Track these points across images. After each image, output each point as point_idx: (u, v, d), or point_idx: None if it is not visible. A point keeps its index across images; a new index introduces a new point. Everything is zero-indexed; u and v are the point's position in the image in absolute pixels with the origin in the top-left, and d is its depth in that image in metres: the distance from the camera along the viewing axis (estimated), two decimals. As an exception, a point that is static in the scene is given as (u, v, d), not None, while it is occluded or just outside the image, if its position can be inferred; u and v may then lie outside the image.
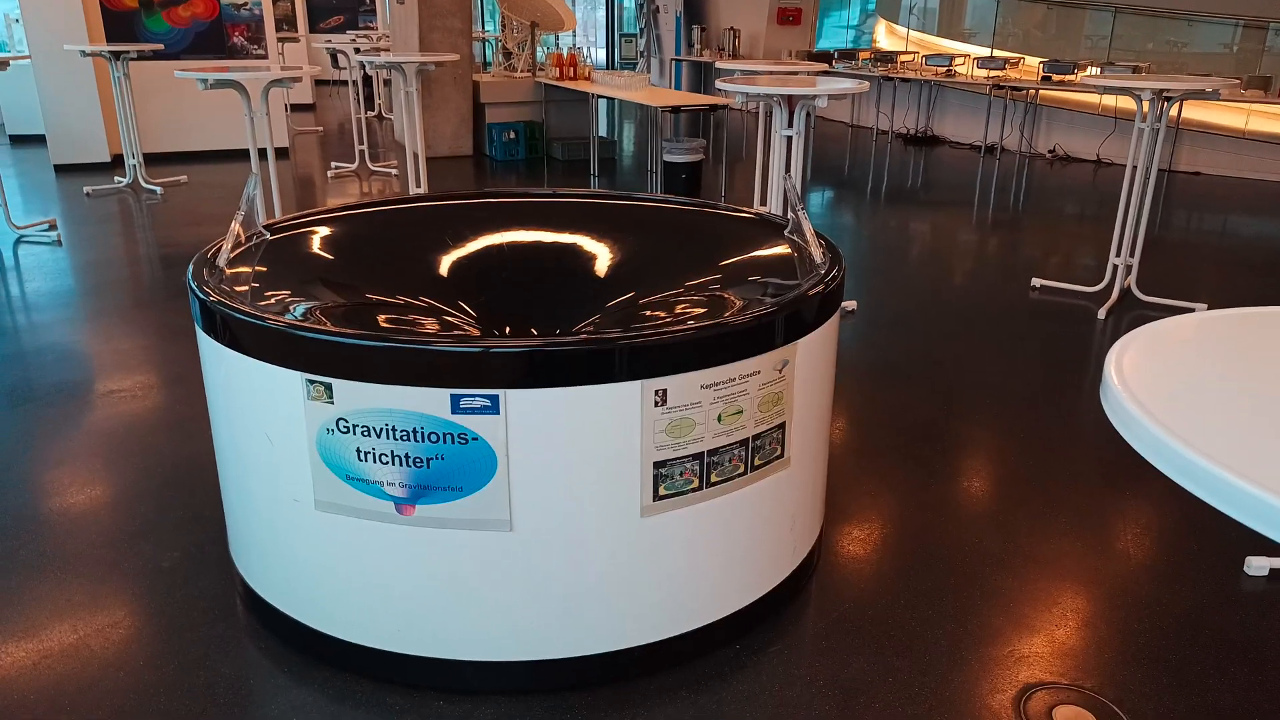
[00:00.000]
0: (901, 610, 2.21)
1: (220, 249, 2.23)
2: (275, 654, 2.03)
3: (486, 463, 1.73)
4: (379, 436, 1.73)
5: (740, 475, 1.91)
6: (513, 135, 8.78)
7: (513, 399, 1.69)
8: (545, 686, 1.92)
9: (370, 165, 8.19)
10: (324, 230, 2.59)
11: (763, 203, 5.77)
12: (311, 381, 1.75)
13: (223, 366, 1.92)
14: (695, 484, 1.85)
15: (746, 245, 2.58)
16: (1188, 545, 2.50)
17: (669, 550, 1.88)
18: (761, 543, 2.04)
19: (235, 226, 2.25)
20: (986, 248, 5.78)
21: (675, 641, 1.96)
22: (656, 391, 1.75)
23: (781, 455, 1.99)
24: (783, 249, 2.44)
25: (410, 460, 1.74)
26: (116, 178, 7.35)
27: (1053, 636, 2.13)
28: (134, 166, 7.14)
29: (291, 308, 2.04)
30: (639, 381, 1.73)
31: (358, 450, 1.76)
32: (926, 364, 3.78)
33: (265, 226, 2.48)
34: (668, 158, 7.29)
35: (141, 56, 7.20)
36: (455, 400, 1.69)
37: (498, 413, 1.70)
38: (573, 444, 1.74)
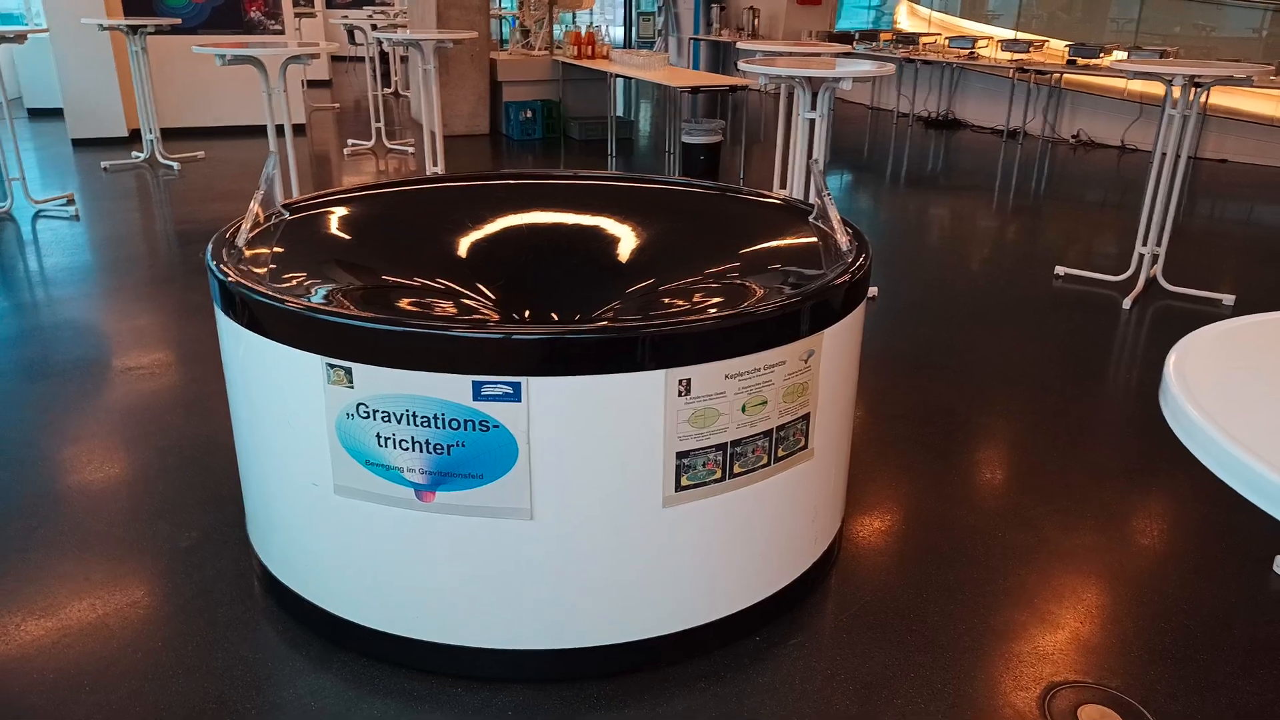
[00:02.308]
0: (923, 604, 2.19)
1: (239, 228, 2.21)
2: (293, 637, 2.03)
3: (507, 450, 1.71)
4: (399, 422, 1.71)
5: (763, 466, 1.88)
6: (530, 114, 8.72)
7: (535, 386, 1.67)
8: (564, 675, 1.91)
9: (387, 143, 8.15)
10: (343, 210, 2.56)
11: (783, 186, 5.71)
12: (332, 366, 1.73)
13: (242, 348, 1.90)
14: (718, 474, 1.83)
15: (770, 231, 2.54)
16: (1214, 543, 2.46)
17: (690, 541, 1.86)
18: (783, 534, 2.02)
19: (254, 206, 2.23)
20: (1008, 234, 5.71)
21: (695, 632, 1.94)
22: (680, 381, 1.72)
23: (805, 446, 1.96)
24: (808, 235, 2.40)
25: (431, 447, 1.72)
26: (134, 153, 7.34)
27: (1076, 634, 2.10)
28: (151, 142, 7.13)
29: (311, 290, 2.02)
30: (663, 371, 1.70)
31: (378, 436, 1.74)
32: (948, 352, 3.73)
33: (284, 206, 2.46)
34: (686, 139, 7.22)
35: (159, 31, 7.17)
36: (477, 387, 1.67)
37: (519, 400, 1.67)
38: (595, 433, 1.72)
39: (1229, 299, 4.34)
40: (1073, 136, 9.27)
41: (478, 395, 1.67)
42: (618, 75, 7.85)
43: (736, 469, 1.84)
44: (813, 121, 3.92)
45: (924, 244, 5.47)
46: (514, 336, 1.65)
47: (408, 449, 1.73)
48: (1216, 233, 5.81)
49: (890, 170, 7.77)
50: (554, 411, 1.69)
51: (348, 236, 2.48)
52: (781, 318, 1.81)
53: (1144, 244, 4.40)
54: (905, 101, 10.93)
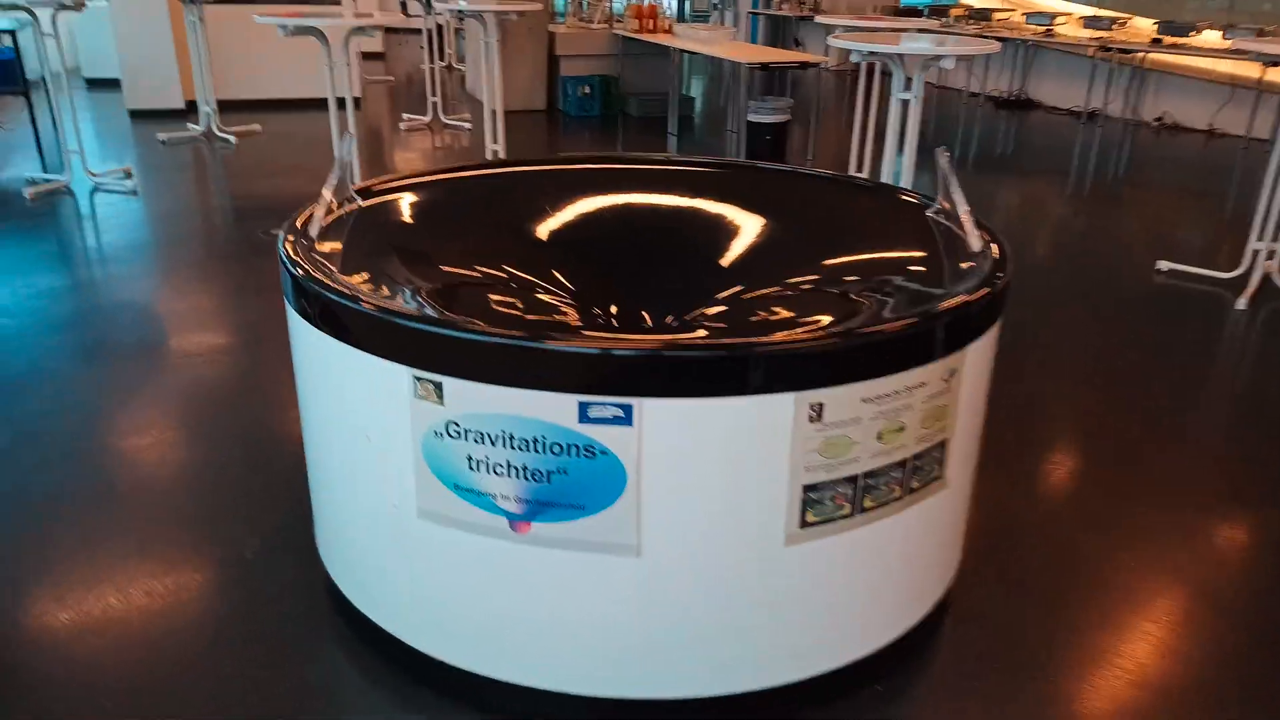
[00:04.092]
0: (1051, 646, 1.97)
1: (311, 215, 2.03)
2: (368, 668, 1.86)
3: (615, 479, 1.52)
4: (494, 445, 1.53)
5: (895, 499, 1.67)
6: (588, 90, 8.49)
7: (649, 409, 1.47)
8: (664, 723, 1.72)
9: (443, 118, 7.98)
10: (417, 196, 2.38)
11: (858, 170, 5.44)
12: (419, 379, 1.54)
13: (316, 351, 1.73)
14: (847, 510, 1.62)
15: (883, 226, 2.31)
16: (1377, 584, 2.20)
17: (813, 583, 1.65)
18: (911, 573, 1.81)
19: (327, 194, 2.05)
20: (1095, 224, 5.38)
21: (814, 682, 1.74)
22: (812, 405, 1.51)
23: (939, 476, 1.74)
24: (928, 232, 2.16)
25: (529, 473, 1.53)
26: (190, 125, 7.25)
27: (1224, 692, 1.86)
28: (208, 114, 7.03)
29: (393, 288, 1.84)
30: (792, 394, 1.49)
31: (469, 458, 1.56)
32: (1045, 353, 3.47)
33: (357, 191, 2.28)
34: (752, 117, 6.94)
35: (215, 0, 7.05)
36: (584, 408, 1.47)
37: (631, 424, 1.48)
38: (714, 462, 1.52)
39: (1352, 301, 4.01)
40: (1156, 119, 8.82)
41: (584, 418, 1.48)
42: (682, 50, 7.58)
43: (867, 503, 1.63)
44: (906, 103, 3.66)
45: (1006, 234, 5.16)
46: (627, 352, 1.45)
47: (502, 474, 1.54)
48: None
49: (959, 151, 7.43)
50: (669, 437, 1.49)
51: (424, 225, 2.30)
52: (924, 334, 1.59)
53: (1259, 239, 4.07)
54: (975, 81, 10.51)
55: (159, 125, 7.37)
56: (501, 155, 5.94)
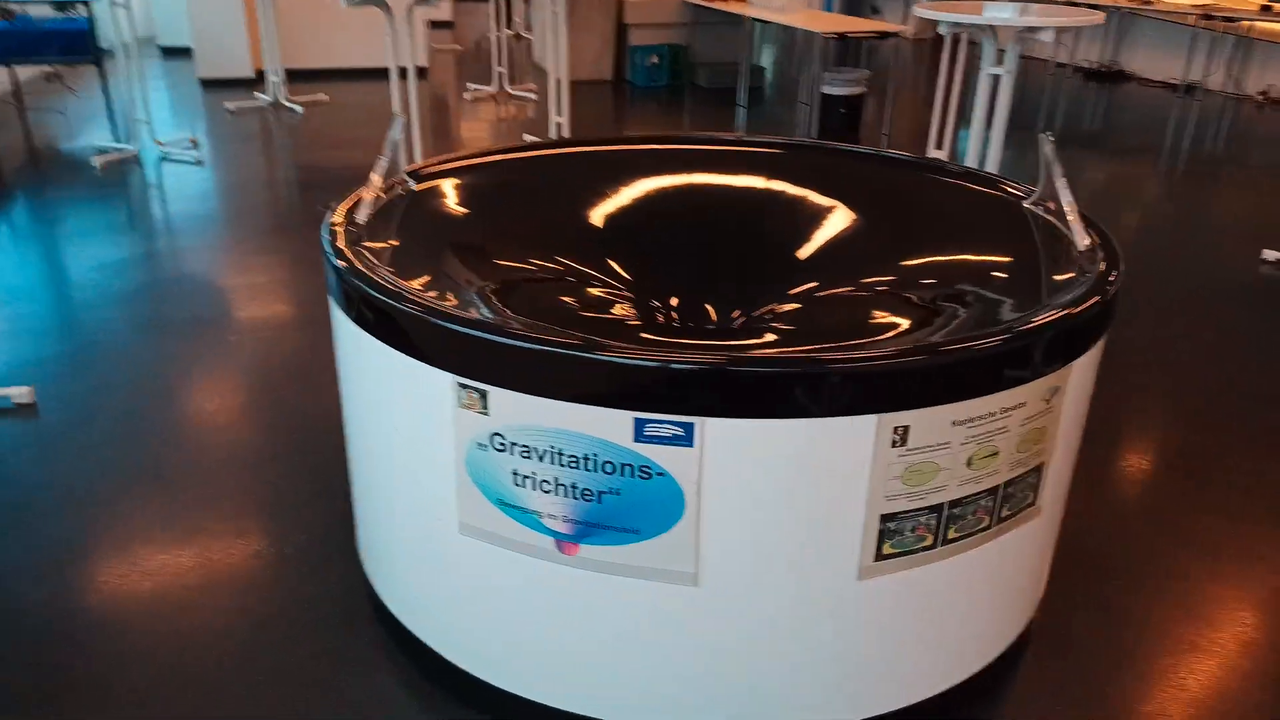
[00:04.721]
0: (1139, 687, 1.79)
1: (360, 200, 1.93)
2: (412, 683, 1.77)
3: (672, 503, 1.39)
4: (541, 460, 1.40)
5: (983, 530, 1.51)
6: (656, 60, 8.28)
7: (712, 429, 1.33)
8: (719, 760, 1.60)
9: (509, 89, 7.85)
10: (471, 179, 2.26)
11: (938, 146, 5.17)
12: (464, 386, 1.42)
13: (358, 350, 1.62)
14: (929, 541, 1.46)
15: (976, 219, 2.11)
16: None
17: (887, 618, 1.50)
18: (994, 606, 1.65)
19: (376, 179, 1.94)
20: (1192, 207, 5.03)
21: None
22: (896, 429, 1.35)
23: (1033, 503, 1.57)
24: (1026, 227, 1.97)
25: (578, 492, 1.40)
26: (257, 94, 7.26)
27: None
28: (275, 83, 7.02)
29: (442, 286, 1.72)
30: (875, 416, 1.34)
31: (514, 473, 1.44)
32: (1136, 351, 3.22)
33: (409, 173, 2.17)
34: (827, 89, 6.68)
35: (285, -32, 7.02)
36: (640, 425, 1.34)
37: (691, 445, 1.34)
38: (782, 488, 1.37)
39: None
40: (1261, 93, 8.27)
41: (640, 436, 1.35)
42: (755, 19, 7.32)
43: (951, 534, 1.47)
44: (997, 77, 3.41)
45: (1095, 217, 4.86)
46: (688, 366, 1.31)
47: (550, 492, 1.42)
48: None
49: (1043, 125, 7.05)
50: (733, 459, 1.35)
51: (477, 211, 2.18)
52: (1024, 349, 1.41)
53: (1383, 230, 3.73)
54: (1063, 50, 9.99)
55: (229, 94, 7.39)
56: (566, 128, 5.80)
